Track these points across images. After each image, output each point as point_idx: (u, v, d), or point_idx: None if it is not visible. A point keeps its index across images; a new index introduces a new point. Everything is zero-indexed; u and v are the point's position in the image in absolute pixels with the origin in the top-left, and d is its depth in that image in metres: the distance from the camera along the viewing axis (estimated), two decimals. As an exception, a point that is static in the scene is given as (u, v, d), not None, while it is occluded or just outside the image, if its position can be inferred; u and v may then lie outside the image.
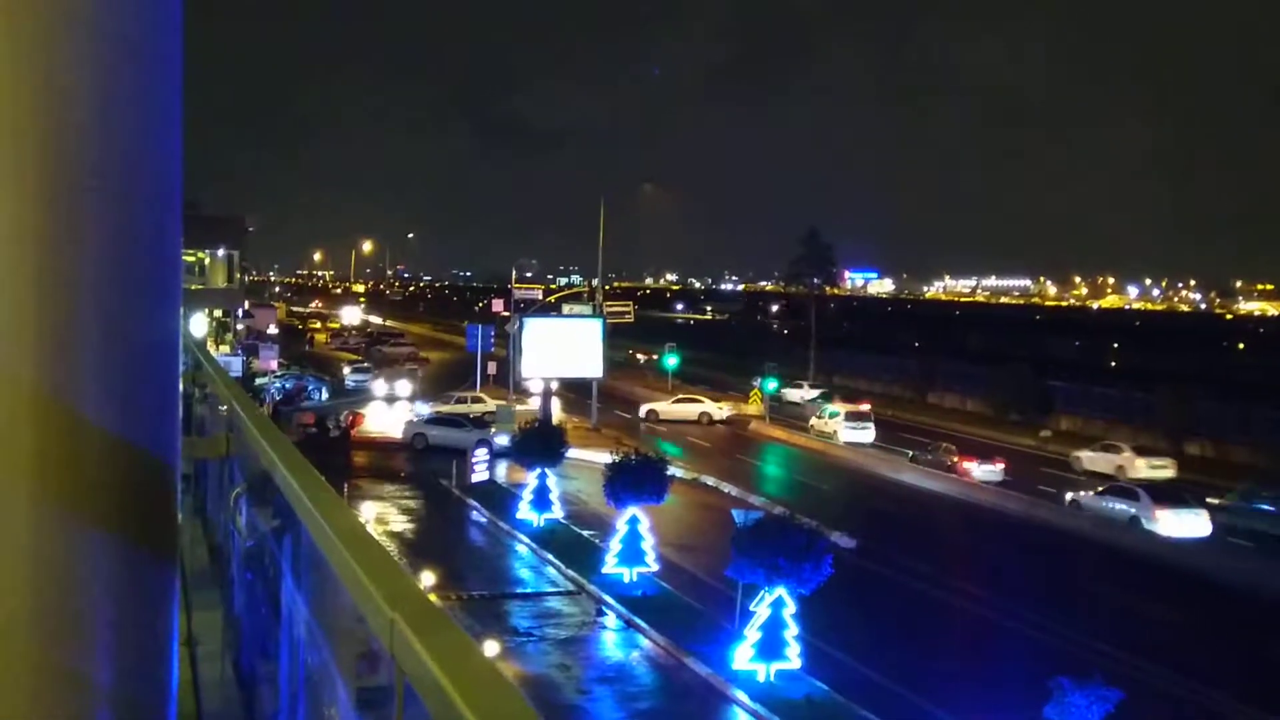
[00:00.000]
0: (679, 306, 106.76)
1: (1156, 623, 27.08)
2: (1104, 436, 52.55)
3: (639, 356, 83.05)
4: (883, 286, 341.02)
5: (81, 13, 1.51)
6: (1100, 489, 38.97)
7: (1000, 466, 44.10)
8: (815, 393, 62.21)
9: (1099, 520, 36.98)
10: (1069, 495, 39.70)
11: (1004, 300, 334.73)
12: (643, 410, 58.51)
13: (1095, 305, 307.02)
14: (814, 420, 56.27)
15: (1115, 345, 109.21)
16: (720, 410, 60.04)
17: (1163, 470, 45.46)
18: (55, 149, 1.51)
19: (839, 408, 55.75)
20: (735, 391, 68.50)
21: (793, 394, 64.27)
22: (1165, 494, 37.58)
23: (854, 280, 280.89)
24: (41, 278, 1.52)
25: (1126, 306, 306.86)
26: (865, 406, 56.20)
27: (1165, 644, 25.02)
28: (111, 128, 1.54)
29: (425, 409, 53.07)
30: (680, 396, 61.32)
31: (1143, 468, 45.37)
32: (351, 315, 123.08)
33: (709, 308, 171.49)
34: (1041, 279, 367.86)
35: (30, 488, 1.54)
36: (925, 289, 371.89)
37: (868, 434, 52.64)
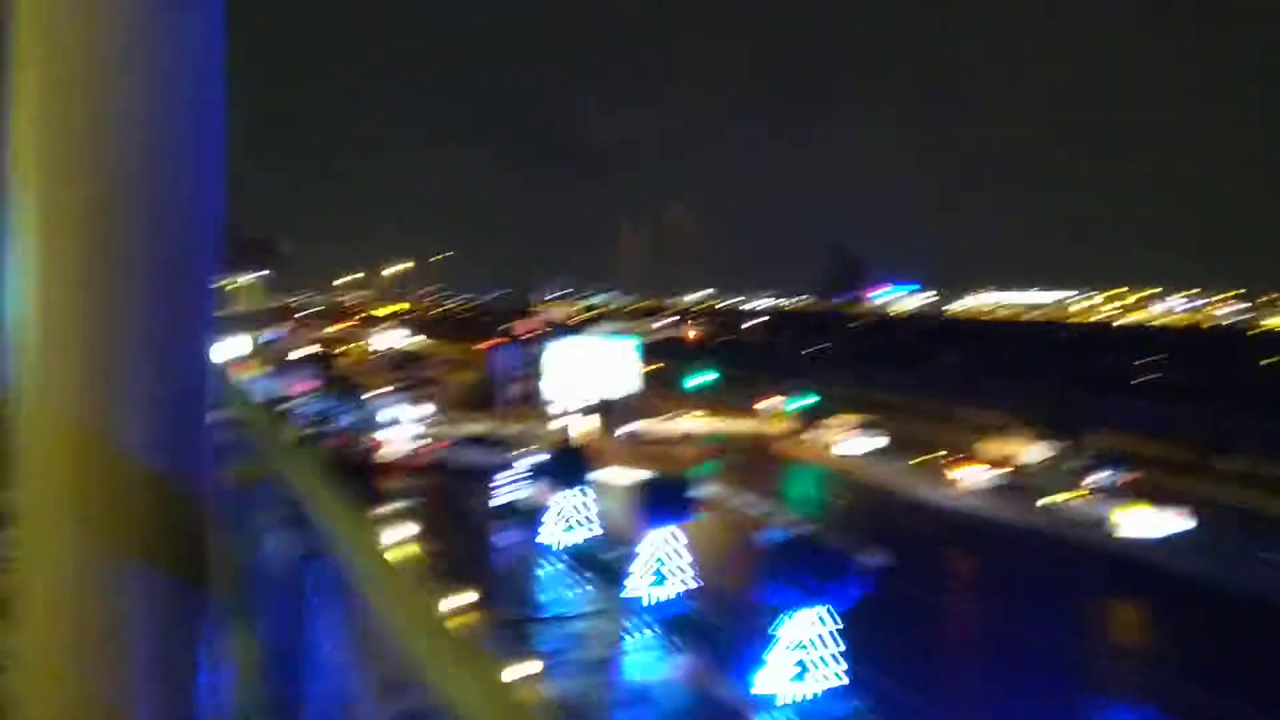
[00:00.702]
0: (667, 321, 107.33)
1: (1147, 624, 27.46)
2: (1136, 450, 52.49)
3: None
4: (913, 301, 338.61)
5: (130, 55, 1.55)
6: (1072, 493, 41.25)
7: (993, 474, 46.32)
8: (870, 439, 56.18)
9: (1076, 523, 39.13)
10: (1043, 500, 42.01)
11: (1035, 315, 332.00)
12: (624, 430, 57.12)
13: (1126, 319, 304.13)
14: (815, 430, 57.76)
15: (1146, 360, 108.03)
16: (708, 427, 59.98)
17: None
18: (102, 185, 1.56)
19: (845, 418, 57.31)
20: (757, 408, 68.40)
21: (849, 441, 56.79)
22: (1126, 496, 40.05)
23: (885, 295, 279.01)
24: (85, 313, 1.56)
25: (1157, 321, 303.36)
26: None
27: (1150, 642, 25.17)
28: (158, 167, 1.58)
29: (419, 430, 53.23)
30: (664, 416, 60.63)
31: (1033, 453, 50.05)
32: (388, 339, 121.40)
33: (689, 321, 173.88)
34: (1075, 293, 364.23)
35: (71, 519, 1.57)
36: (956, 304, 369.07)
37: (873, 443, 54.61)
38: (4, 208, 1.62)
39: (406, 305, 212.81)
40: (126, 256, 1.57)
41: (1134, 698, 17.74)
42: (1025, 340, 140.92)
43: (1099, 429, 58.34)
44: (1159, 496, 39.82)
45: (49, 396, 1.57)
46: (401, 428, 54.39)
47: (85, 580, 1.59)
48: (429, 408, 61.35)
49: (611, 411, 55.57)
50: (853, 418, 57.90)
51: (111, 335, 1.57)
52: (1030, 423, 58.40)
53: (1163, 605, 29.63)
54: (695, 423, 60.01)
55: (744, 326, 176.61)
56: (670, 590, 27.72)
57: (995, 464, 47.40)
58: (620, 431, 56.47)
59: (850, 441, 54.43)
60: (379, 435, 51.20)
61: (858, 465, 52.10)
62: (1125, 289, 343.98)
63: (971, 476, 45.94)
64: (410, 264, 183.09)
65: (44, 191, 1.57)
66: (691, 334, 76.01)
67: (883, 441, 54.61)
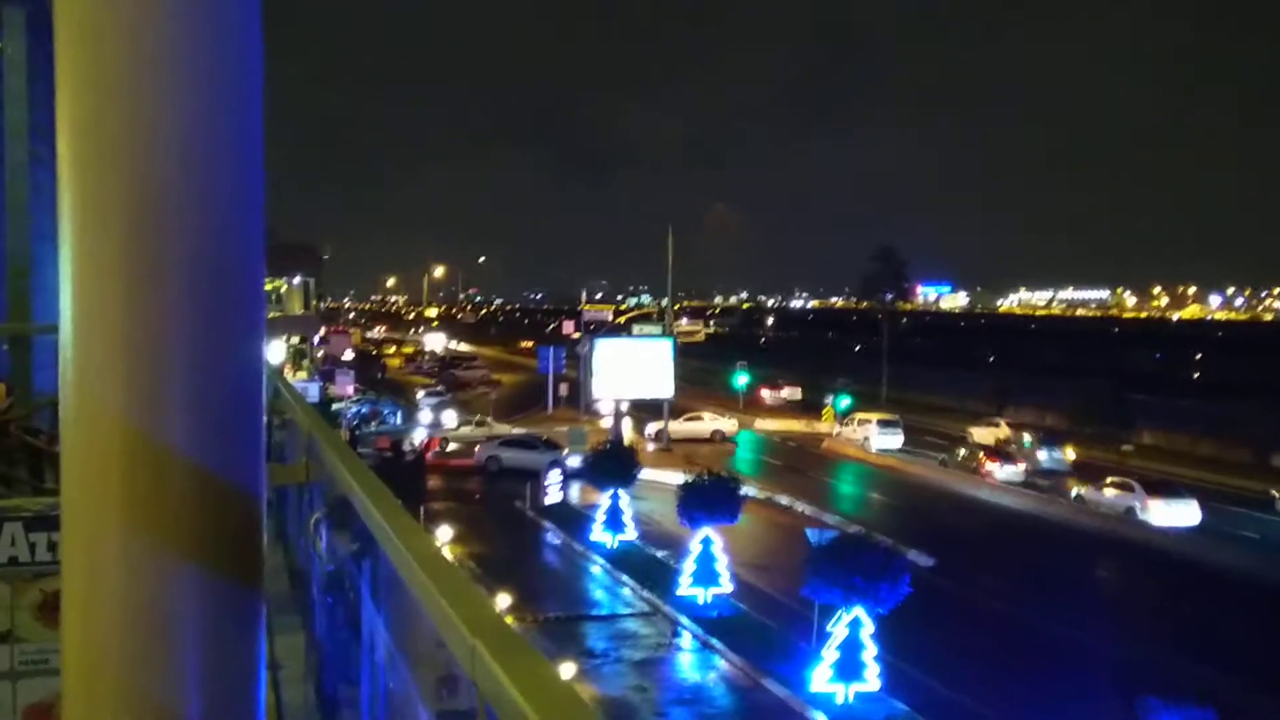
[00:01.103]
0: (683, 321, 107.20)
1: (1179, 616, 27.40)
2: (1189, 450, 52.06)
3: None
4: (956, 300, 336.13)
5: (166, 56, 1.57)
6: (1103, 483, 41.33)
7: (1021, 466, 47.17)
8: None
9: (1108, 515, 39.41)
10: (1075, 490, 42.16)
11: (1081, 312, 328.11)
12: (651, 429, 56.41)
13: (1176, 316, 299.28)
14: (840, 428, 58.32)
15: (1198, 357, 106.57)
16: (732, 426, 59.73)
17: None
18: (142, 189, 1.57)
19: (869, 415, 57.70)
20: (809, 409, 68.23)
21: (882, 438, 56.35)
22: (1157, 486, 40.21)
23: (926, 294, 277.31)
24: (130, 315, 1.57)
25: (1209, 317, 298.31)
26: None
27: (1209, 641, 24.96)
28: (196, 167, 1.59)
29: (466, 430, 53.80)
30: (690, 414, 59.80)
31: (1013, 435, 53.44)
32: (434, 341, 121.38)
33: (713, 321, 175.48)
34: (1120, 290, 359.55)
35: (121, 521, 1.58)
36: (1000, 302, 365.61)
37: (897, 440, 55.02)
38: (52, 214, 1.64)
39: (449, 307, 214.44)
40: (170, 259, 1.59)
41: (1198, 700, 17.43)
42: (1075, 338, 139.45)
43: (1151, 427, 57.70)
44: (1172, 488, 40.52)
45: (96, 400, 1.59)
46: (449, 428, 54.79)
47: (134, 582, 1.60)
48: (476, 408, 61.75)
49: (653, 411, 55.65)
50: (888, 414, 58.61)
51: (158, 337, 1.58)
52: (1081, 419, 58.08)
53: (1209, 600, 29.36)
54: (723, 421, 59.82)
55: (725, 323, 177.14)
56: (718, 590, 27.65)
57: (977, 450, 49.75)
58: (647, 431, 56.17)
59: (885, 437, 54.96)
60: (427, 435, 51.58)
61: (894, 461, 52.26)
62: (1158, 287, 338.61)
63: (1001, 469, 46.81)
64: (451, 267, 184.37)
65: (87, 196, 1.59)
66: (724, 333, 75.76)
67: (902, 435, 55.57)
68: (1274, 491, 42.13)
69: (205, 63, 1.59)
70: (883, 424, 55.95)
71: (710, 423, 59.41)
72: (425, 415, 59.40)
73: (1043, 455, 49.34)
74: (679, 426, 57.65)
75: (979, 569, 31.66)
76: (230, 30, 1.62)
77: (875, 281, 78.99)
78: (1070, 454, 50.14)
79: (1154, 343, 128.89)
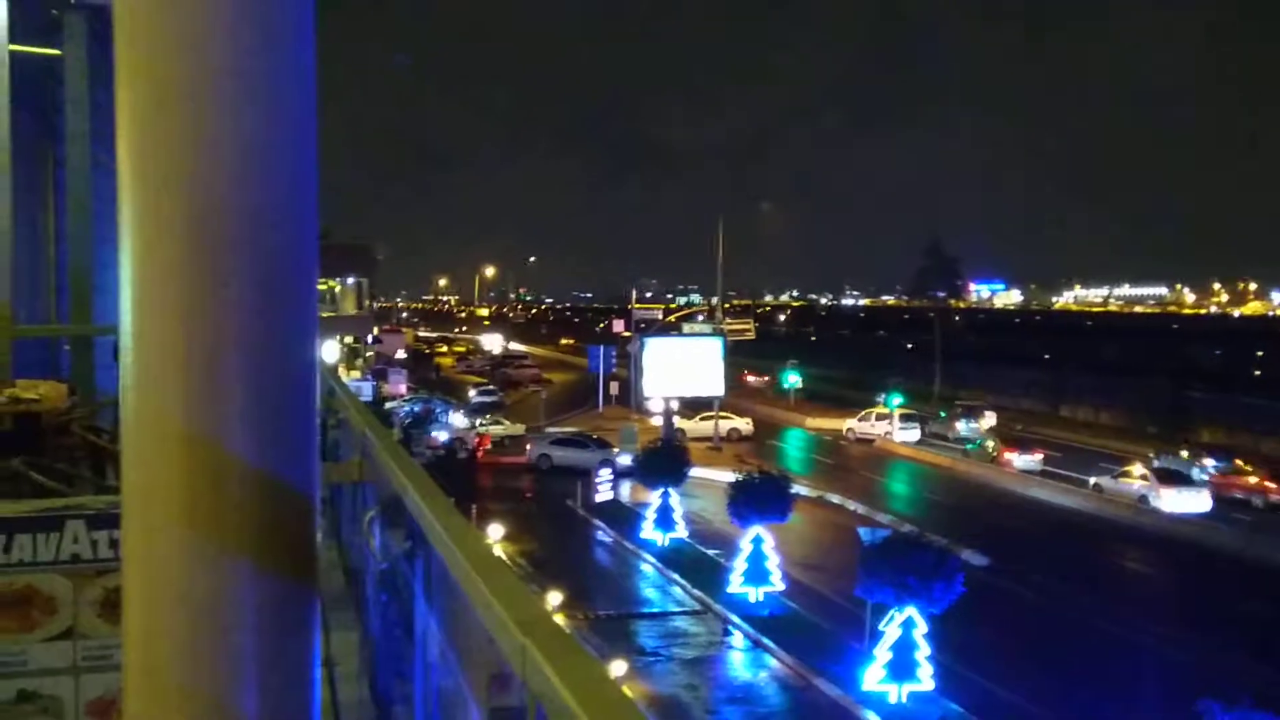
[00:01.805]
0: (700, 318, 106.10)
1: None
2: (1251, 447, 51.31)
3: None
4: (1010, 298, 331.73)
5: (224, 65, 1.60)
6: (1117, 472, 42.66)
7: (1040, 456, 49.15)
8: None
9: (1122, 503, 40.64)
10: (1092, 480, 43.57)
11: (1138, 309, 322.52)
12: (669, 429, 54.58)
13: (1237, 313, 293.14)
14: (851, 423, 59.85)
15: (1260, 354, 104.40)
16: (748, 426, 59.37)
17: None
18: (202, 195, 1.61)
19: (888, 411, 59.40)
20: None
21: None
22: (1169, 475, 41.61)
23: (980, 292, 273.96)
24: (189, 318, 1.61)
25: (1271, 313, 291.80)
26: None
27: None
28: (253, 173, 1.63)
29: (517, 428, 54.14)
30: (705, 414, 58.50)
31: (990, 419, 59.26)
32: (492, 340, 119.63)
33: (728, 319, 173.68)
34: (1178, 286, 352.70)
35: (181, 524, 1.62)
36: (1055, 299, 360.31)
37: (914, 433, 57.53)
38: (112, 218, 1.68)
39: (500, 306, 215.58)
40: (227, 262, 1.62)
41: (1258, 702, 17.06)
42: (1133, 335, 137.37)
43: (1212, 424, 56.73)
44: (1183, 478, 41.67)
45: (154, 400, 1.62)
46: (500, 426, 55.06)
47: (192, 578, 1.63)
48: (527, 406, 61.99)
49: (700, 409, 55.52)
50: (909, 410, 59.81)
51: (215, 338, 1.61)
52: (1140, 417, 57.54)
53: (1234, 587, 29.15)
54: (738, 420, 59.30)
55: (780, 320, 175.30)
56: (769, 588, 27.57)
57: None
58: (667, 430, 55.16)
59: (904, 431, 57.46)
60: (479, 433, 51.86)
61: (977, 465, 52.00)
62: (1218, 284, 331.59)
63: (1020, 459, 48.83)
64: (502, 267, 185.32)
65: (146, 201, 1.62)
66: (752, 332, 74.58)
67: (920, 429, 58.25)
68: (1150, 454, 46.22)
69: (261, 69, 1.63)
70: (904, 418, 58.25)
71: (728, 422, 58.84)
72: (498, 411, 59.95)
73: (960, 425, 56.05)
74: (694, 425, 56.61)
75: (1031, 567, 31.35)
76: (285, 37, 1.66)
77: (927, 279, 78.40)
78: (985, 425, 56.79)
79: (1214, 339, 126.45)
